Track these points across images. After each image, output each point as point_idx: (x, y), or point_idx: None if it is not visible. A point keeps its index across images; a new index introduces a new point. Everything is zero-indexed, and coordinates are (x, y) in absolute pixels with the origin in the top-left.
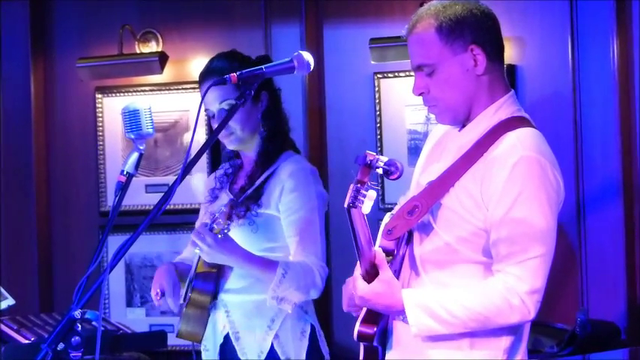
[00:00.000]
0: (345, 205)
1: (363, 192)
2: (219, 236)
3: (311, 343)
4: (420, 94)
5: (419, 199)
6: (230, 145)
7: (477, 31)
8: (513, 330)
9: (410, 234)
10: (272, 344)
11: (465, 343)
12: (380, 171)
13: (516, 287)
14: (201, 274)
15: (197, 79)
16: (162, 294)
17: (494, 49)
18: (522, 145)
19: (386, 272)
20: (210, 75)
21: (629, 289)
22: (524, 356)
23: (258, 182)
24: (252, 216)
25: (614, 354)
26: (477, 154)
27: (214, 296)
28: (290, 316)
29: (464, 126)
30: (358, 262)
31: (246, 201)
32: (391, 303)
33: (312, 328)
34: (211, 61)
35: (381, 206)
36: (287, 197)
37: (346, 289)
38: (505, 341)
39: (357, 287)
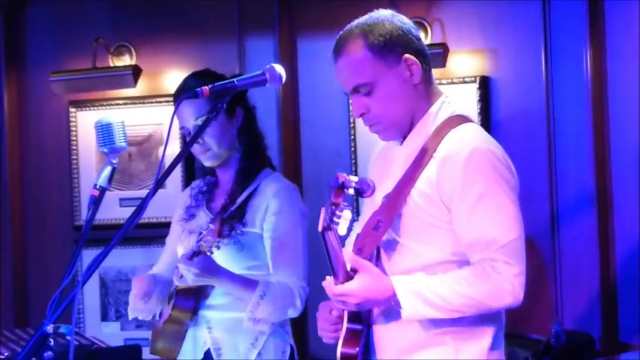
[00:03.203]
0: (320, 229)
1: (338, 213)
2: (208, 253)
3: None
4: (360, 116)
5: (381, 214)
6: (207, 162)
7: (407, 42)
8: (495, 321)
9: (377, 251)
10: None
11: (450, 344)
12: (352, 191)
13: (505, 271)
14: (182, 291)
15: (171, 92)
16: (149, 296)
17: (424, 56)
18: (469, 139)
19: (368, 265)
20: (184, 93)
21: (604, 300)
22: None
23: (239, 201)
24: (237, 235)
25: None
26: (425, 157)
27: (194, 312)
28: (272, 336)
29: (404, 138)
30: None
31: (230, 220)
32: (382, 289)
33: (292, 348)
34: (185, 80)
35: None
36: (272, 217)
37: (320, 314)
38: (489, 335)
39: (344, 288)
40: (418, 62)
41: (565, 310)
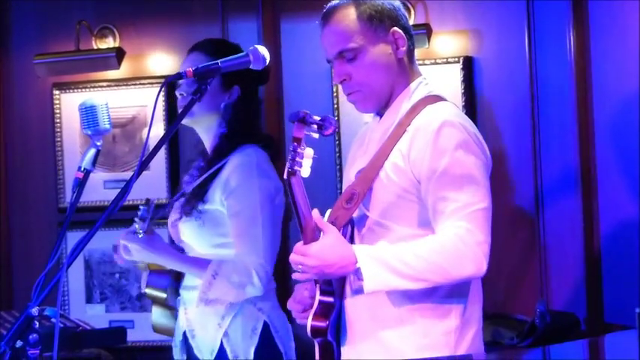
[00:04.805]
0: (285, 175)
1: (300, 151)
2: (140, 235)
3: (263, 341)
4: (341, 82)
5: (355, 187)
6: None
7: (396, 17)
8: (462, 297)
9: (352, 230)
10: (221, 342)
11: (418, 320)
12: (314, 127)
13: (468, 239)
14: (155, 270)
15: (155, 74)
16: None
17: (410, 35)
18: (443, 112)
19: (332, 229)
20: (196, 49)
21: (589, 280)
22: (479, 332)
23: (201, 179)
24: (197, 212)
25: (574, 345)
26: (400, 130)
27: (175, 291)
28: (241, 314)
29: (381, 116)
30: (302, 239)
31: (192, 198)
32: (344, 255)
33: (266, 325)
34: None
35: None
36: (229, 194)
37: (293, 295)
38: (456, 312)
39: (307, 249)
40: (405, 38)
41: (550, 290)
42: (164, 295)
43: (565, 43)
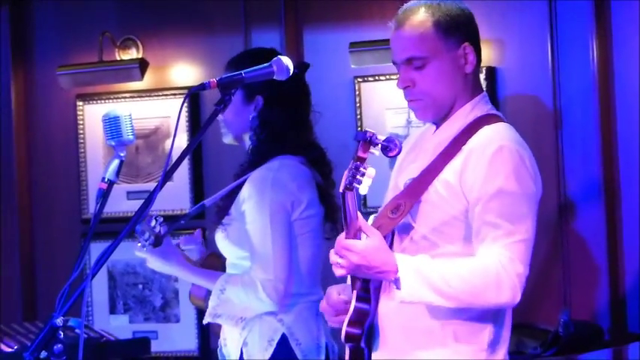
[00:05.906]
0: (341, 189)
1: (362, 170)
2: (144, 249)
3: (279, 352)
4: (405, 87)
5: (402, 198)
6: (223, 139)
7: (469, 31)
8: (496, 319)
9: (392, 236)
10: (241, 351)
11: (449, 336)
12: (379, 147)
13: (510, 268)
14: None
15: (178, 85)
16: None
17: (479, 50)
18: (500, 136)
19: (376, 232)
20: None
21: (612, 290)
22: (506, 354)
23: (223, 192)
24: (222, 225)
25: (598, 354)
26: (455, 148)
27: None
28: (259, 324)
29: (438, 127)
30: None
31: (219, 210)
32: (386, 262)
33: (284, 336)
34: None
35: (364, 210)
36: (242, 209)
37: (326, 298)
38: (489, 332)
39: (350, 242)
40: (474, 53)
41: (573, 300)
42: (202, 304)
43: (588, 53)
